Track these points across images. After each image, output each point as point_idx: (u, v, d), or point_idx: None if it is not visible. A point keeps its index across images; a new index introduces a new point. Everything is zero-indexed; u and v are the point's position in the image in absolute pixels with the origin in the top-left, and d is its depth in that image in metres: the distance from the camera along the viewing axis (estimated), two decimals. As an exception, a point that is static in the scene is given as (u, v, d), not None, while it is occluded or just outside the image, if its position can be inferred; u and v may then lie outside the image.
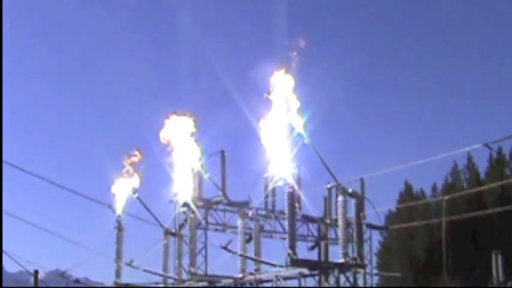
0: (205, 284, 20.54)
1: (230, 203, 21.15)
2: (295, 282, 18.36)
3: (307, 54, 16.74)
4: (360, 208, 18.03)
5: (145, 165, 22.07)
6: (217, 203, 21.29)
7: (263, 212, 21.69)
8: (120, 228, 22.00)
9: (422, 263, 38.93)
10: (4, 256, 20.82)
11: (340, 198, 17.68)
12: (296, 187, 17.25)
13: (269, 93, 16.76)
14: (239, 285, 19.93)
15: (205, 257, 20.78)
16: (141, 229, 22.54)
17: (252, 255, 20.01)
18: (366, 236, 20.72)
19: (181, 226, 21.01)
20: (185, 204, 20.35)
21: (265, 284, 19.50)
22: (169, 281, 21.33)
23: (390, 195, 41.75)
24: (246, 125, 17.51)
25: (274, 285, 18.68)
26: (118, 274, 21.89)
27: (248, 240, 20.53)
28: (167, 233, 21.37)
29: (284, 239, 17.86)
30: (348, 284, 17.82)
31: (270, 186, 19.65)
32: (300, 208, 20.55)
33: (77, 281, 22.71)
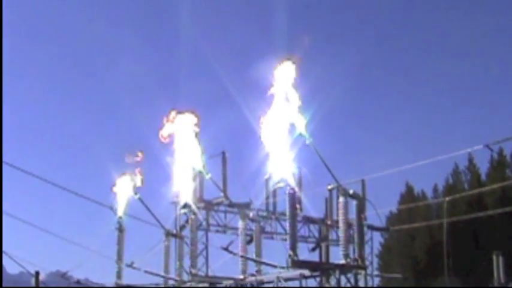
0: (206, 285, 20.53)
1: (231, 204, 21.16)
2: (296, 284, 18.37)
3: (307, 55, 16.75)
4: (360, 209, 17.99)
5: (146, 166, 22.08)
6: (218, 204, 21.30)
7: (264, 213, 21.71)
8: (121, 229, 21.99)
9: (423, 264, 38.88)
10: (5, 257, 20.87)
11: (341, 199, 17.65)
12: (297, 188, 17.23)
13: (271, 88, 16.64)
14: (240, 287, 19.92)
15: (206, 258, 20.80)
16: (142, 230, 22.57)
17: (253, 256, 20.01)
18: (366, 237, 20.73)
19: (182, 227, 21.01)
20: (186, 206, 20.35)
21: (266, 285, 19.49)
22: (170, 282, 21.31)
23: (391, 196, 41.72)
24: (246, 125, 17.48)
25: (275, 287, 18.67)
26: (119, 275, 21.88)
27: (249, 242, 20.52)
28: (168, 234, 21.37)
29: (285, 240, 17.86)
30: (349, 285, 17.80)
31: (271, 188, 19.65)
32: (301, 210, 20.53)
33: (77, 282, 22.71)
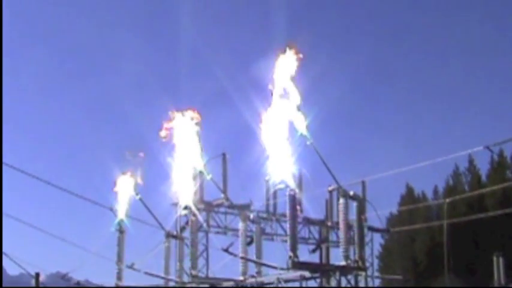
0: (206, 286, 20.53)
1: (231, 206, 21.16)
2: (296, 285, 18.39)
3: (307, 55, 16.71)
4: (361, 211, 17.98)
5: (146, 166, 22.08)
6: (218, 205, 21.29)
7: (264, 215, 21.69)
8: (121, 230, 22.00)
9: (424, 266, 38.92)
10: (5, 258, 20.86)
11: (342, 200, 17.64)
12: (297, 190, 17.22)
13: (271, 82, 16.55)
14: (240, 288, 19.93)
15: (207, 260, 20.80)
16: (143, 232, 22.55)
17: (253, 257, 20.01)
18: (367, 238, 20.75)
19: (182, 229, 21.00)
20: (186, 207, 20.34)
21: (266, 287, 19.49)
22: (171, 283, 21.31)
23: (391, 197, 41.70)
24: (246, 125, 17.47)
25: (275, 288, 18.68)
26: (119, 277, 21.90)
27: (249, 243, 20.53)
28: (168, 235, 21.37)
29: (285, 241, 17.84)
30: (349, 287, 17.79)
31: (271, 189, 19.64)
32: (302, 211, 20.51)
33: (78, 283, 22.70)
